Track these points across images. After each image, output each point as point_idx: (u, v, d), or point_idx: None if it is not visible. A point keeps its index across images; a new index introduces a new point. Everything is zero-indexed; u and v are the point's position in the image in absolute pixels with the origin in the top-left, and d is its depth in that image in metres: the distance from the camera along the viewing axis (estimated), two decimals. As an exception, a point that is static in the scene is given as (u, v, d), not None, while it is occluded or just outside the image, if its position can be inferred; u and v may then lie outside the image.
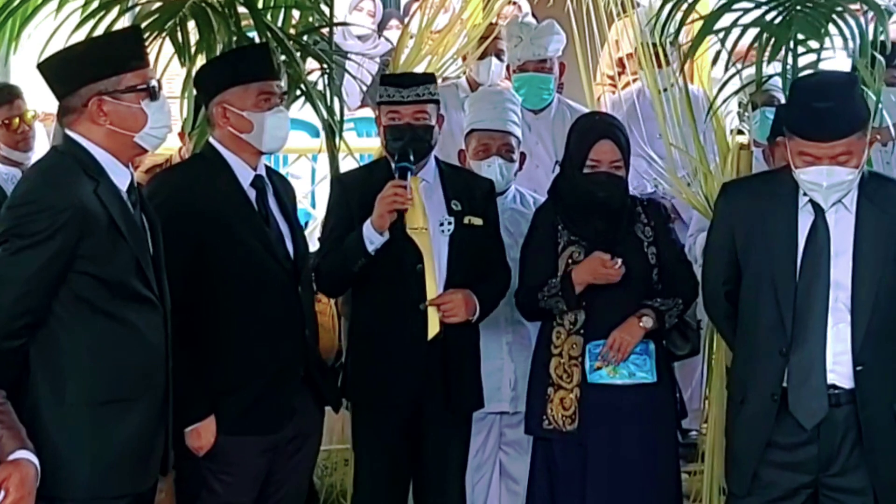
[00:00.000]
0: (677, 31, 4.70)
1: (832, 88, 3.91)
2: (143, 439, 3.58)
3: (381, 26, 8.88)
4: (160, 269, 3.66)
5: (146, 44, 4.12)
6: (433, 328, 4.48)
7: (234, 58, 4.35)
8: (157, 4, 4.83)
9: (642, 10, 5.00)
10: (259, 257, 4.08)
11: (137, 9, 4.89)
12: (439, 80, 5.02)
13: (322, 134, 5.22)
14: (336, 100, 5.15)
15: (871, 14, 4.57)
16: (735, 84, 4.93)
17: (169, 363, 3.64)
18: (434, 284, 4.49)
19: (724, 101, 5.05)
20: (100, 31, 4.65)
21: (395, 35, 8.44)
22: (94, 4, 4.78)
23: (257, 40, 4.80)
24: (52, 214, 3.40)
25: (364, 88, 6.73)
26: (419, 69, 5.51)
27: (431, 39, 5.81)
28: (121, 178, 3.58)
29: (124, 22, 4.76)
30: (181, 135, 5.51)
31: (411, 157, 4.46)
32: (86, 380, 3.48)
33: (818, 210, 3.95)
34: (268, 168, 4.27)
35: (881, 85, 4.52)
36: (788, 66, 4.53)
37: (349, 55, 5.96)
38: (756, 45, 4.57)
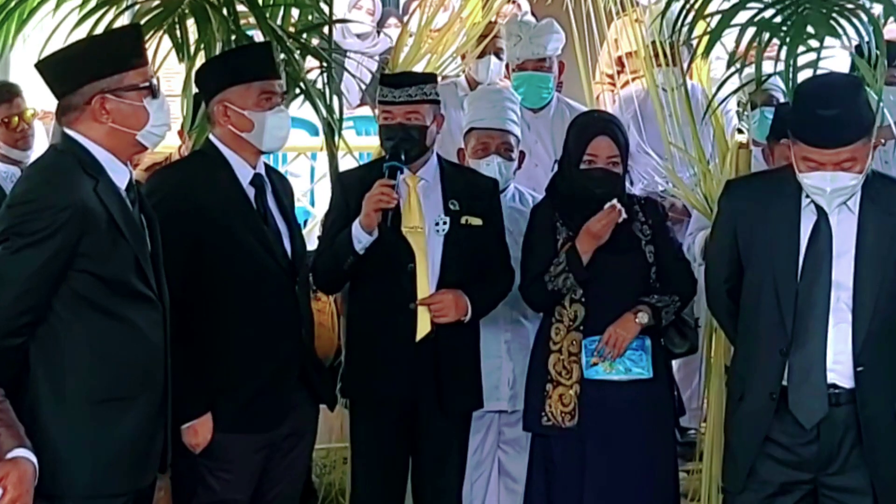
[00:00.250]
0: (691, 30, 4.69)
1: (837, 95, 3.89)
2: (142, 437, 3.58)
3: (380, 24, 8.88)
4: (159, 266, 3.66)
5: (145, 41, 4.12)
6: (423, 328, 4.48)
7: (236, 56, 4.35)
8: (156, 2, 4.83)
9: (657, 9, 4.97)
10: (257, 256, 4.08)
11: (136, 7, 4.89)
12: (438, 79, 5.02)
13: (321, 132, 5.21)
14: (335, 98, 5.15)
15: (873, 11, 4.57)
16: (734, 83, 4.93)
17: (168, 361, 3.65)
18: (426, 284, 4.49)
19: (724, 100, 5.06)
20: (98, 29, 4.65)
21: (393, 33, 8.45)
22: (93, 3, 4.78)
23: (256, 38, 4.80)
24: (52, 213, 3.40)
25: (363, 87, 6.72)
26: (418, 68, 5.51)
27: (431, 38, 5.81)
28: (120, 176, 3.59)
29: (122, 20, 4.76)
30: (181, 133, 5.51)
31: (402, 157, 4.47)
32: (85, 377, 3.48)
33: (821, 210, 3.95)
34: (267, 166, 4.27)
35: (882, 84, 4.50)
36: (787, 65, 4.52)
37: (348, 53, 5.95)
38: (756, 44, 4.56)
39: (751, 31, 4.53)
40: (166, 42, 4.75)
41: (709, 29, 4.65)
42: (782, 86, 4.78)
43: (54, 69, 3.60)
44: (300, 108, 5.37)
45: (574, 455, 4.56)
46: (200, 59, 4.66)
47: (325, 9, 5.25)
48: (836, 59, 4.62)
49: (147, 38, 4.49)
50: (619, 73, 6.82)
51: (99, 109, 3.54)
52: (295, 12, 5.20)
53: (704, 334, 4.98)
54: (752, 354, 4.08)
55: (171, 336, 3.66)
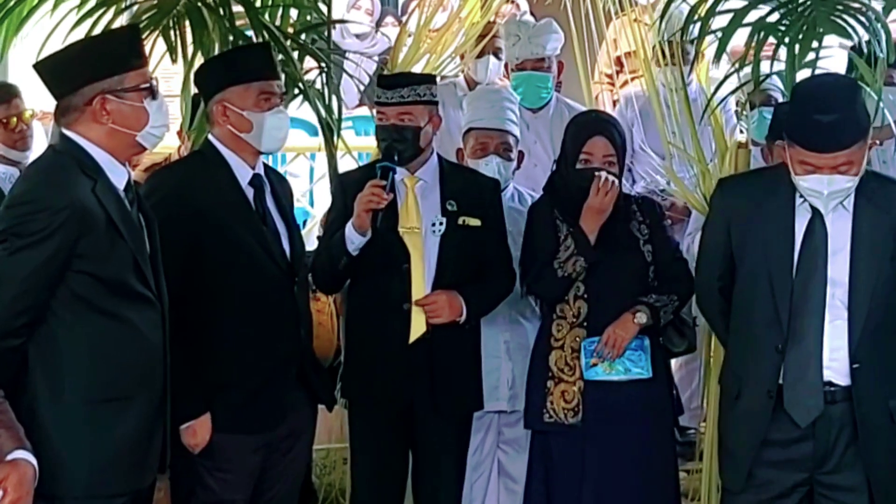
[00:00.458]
0: (702, 29, 4.68)
1: (836, 99, 3.87)
2: (141, 437, 3.58)
3: (378, 24, 8.88)
4: (158, 267, 3.66)
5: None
6: (417, 329, 4.48)
7: (236, 57, 4.36)
8: (153, 2, 4.83)
9: (684, 9, 4.95)
10: (255, 256, 4.08)
11: (135, 7, 4.88)
12: (437, 79, 5.01)
13: (320, 132, 5.21)
14: (334, 98, 5.15)
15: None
16: (733, 83, 4.93)
17: (167, 361, 3.65)
18: (421, 284, 4.49)
19: (722, 99, 5.05)
20: (96, 30, 4.65)
21: (389, 32, 8.45)
22: (91, 3, 4.78)
23: (255, 39, 4.79)
24: (50, 214, 3.40)
25: (360, 88, 6.72)
26: (417, 68, 5.51)
27: (429, 38, 5.80)
28: (118, 176, 3.59)
29: (121, 21, 4.76)
30: (180, 133, 5.51)
31: (395, 158, 4.47)
32: (84, 378, 3.48)
33: (815, 208, 3.95)
34: (266, 167, 4.28)
35: (882, 84, 4.50)
36: (786, 65, 4.52)
37: (347, 54, 5.95)
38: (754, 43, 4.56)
39: (748, 31, 4.53)
40: (163, 42, 4.75)
41: (712, 29, 4.65)
42: (781, 86, 4.79)
43: (53, 70, 3.60)
44: (299, 108, 5.37)
45: (574, 453, 4.56)
46: (200, 60, 4.66)
47: (324, 9, 5.25)
48: (835, 58, 4.62)
49: (144, 39, 4.49)
50: (618, 72, 6.83)
51: (99, 110, 3.54)
52: (294, 13, 5.19)
53: (703, 333, 4.98)
54: (748, 352, 4.07)
55: (169, 336, 3.66)
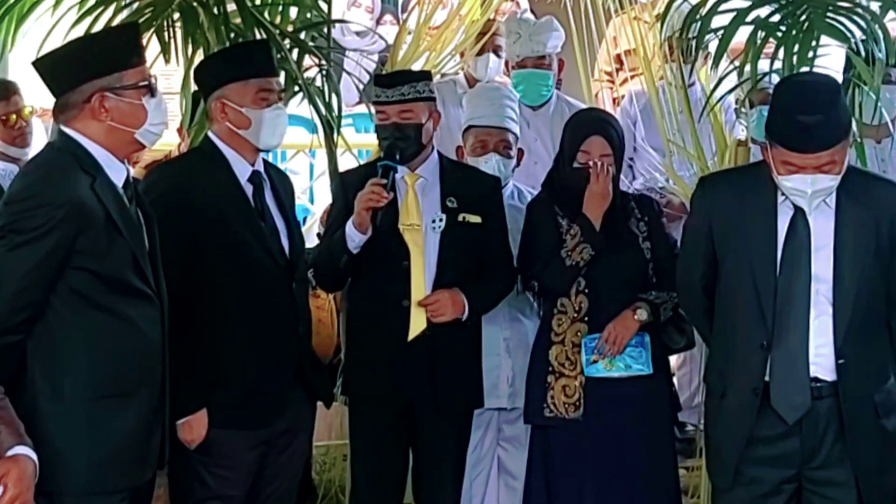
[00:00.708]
0: (703, 27, 4.68)
1: (819, 99, 3.85)
2: (140, 434, 3.58)
3: (378, 22, 8.89)
4: (157, 263, 3.66)
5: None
6: (417, 326, 4.47)
7: (235, 54, 4.36)
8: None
9: (686, 7, 4.94)
10: (254, 252, 4.08)
11: (135, 5, 4.89)
12: (437, 77, 5.02)
13: (319, 130, 5.22)
14: (334, 96, 5.15)
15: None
16: (732, 81, 4.93)
17: (166, 357, 3.65)
18: (421, 282, 4.49)
19: (721, 98, 5.06)
20: (96, 27, 4.66)
21: (387, 30, 8.45)
22: (91, 2, 4.78)
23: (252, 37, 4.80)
24: (49, 210, 3.41)
25: (360, 86, 6.72)
26: (417, 65, 5.51)
27: (429, 35, 5.81)
28: (117, 173, 3.59)
29: (121, 19, 4.77)
30: (180, 130, 5.51)
31: (397, 156, 4.48)
32: (83, 375, 3.49)
33: (797, 206, 3.95)
34: (266, 163, 4.28)
35: (880, 83, 4.50)
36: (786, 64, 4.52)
37: (347, 52, 5.95)
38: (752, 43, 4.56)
39: (749, 30, 4.53)
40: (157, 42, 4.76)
41: (713, 28, 4.65)
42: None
43: (52, 67, 3.61)
44: (299, 106, 5.38)
45: (574, 449, 4.56)
46: (200, 58, 4.66)
47: (324, 7, 5.25)
48: (832, 56, 4.62)
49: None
50: (617, 70, 6.83)
51: (98, 108, 3.55)
52: (294, 11, 5.20)
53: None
54: (732, 350, 4.06)
55: (167, 332, 3.66)
